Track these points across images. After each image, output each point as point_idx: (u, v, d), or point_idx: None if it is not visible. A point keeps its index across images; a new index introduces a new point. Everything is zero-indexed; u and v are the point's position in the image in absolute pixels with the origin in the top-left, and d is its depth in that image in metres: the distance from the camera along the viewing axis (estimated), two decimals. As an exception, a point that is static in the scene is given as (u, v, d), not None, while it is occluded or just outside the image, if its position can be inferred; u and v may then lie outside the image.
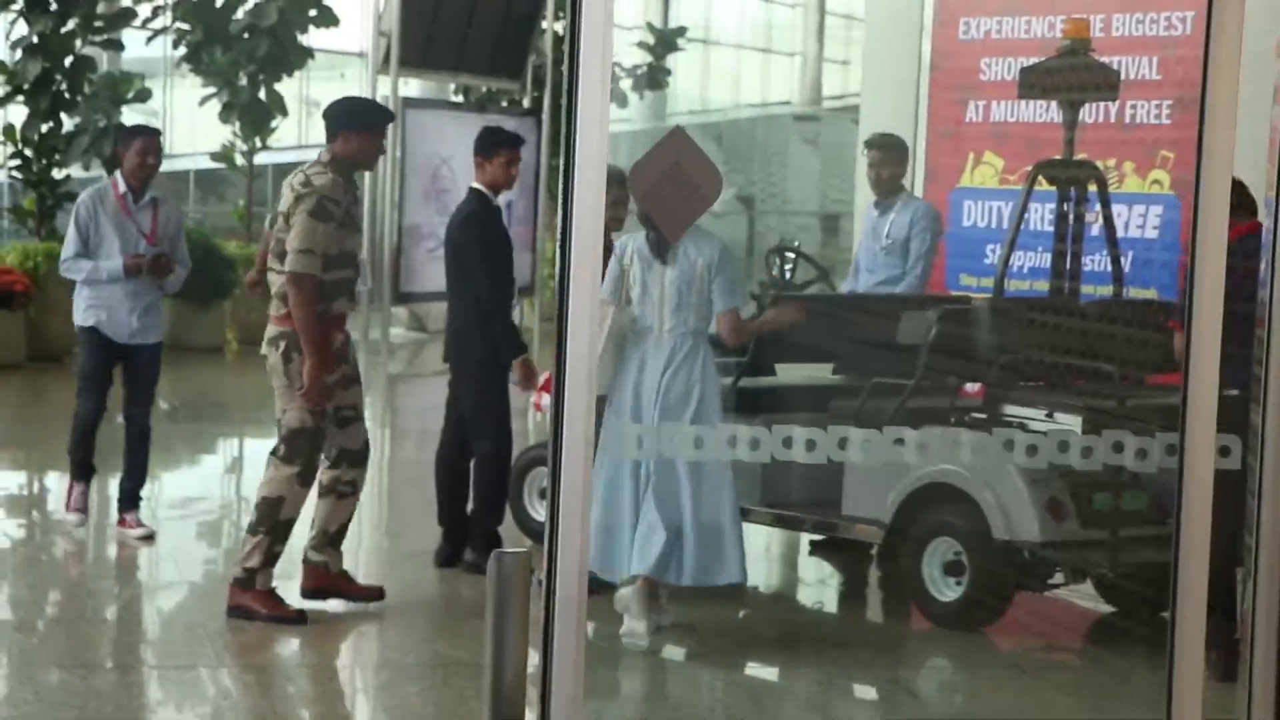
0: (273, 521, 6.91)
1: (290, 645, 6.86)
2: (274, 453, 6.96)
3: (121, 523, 8.55)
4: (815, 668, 6.92)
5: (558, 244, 3.14)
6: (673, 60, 23.48)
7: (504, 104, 18.84)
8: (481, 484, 7.86)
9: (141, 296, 8.41)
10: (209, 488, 10.74)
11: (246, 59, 17.44)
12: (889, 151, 8.40)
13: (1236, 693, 3.56)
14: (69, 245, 8.41)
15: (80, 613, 7.24)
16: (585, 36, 2.98)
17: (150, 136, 8.60)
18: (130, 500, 8.58)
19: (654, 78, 22.51)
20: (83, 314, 8.43)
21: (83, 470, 8.68)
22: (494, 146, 7.81)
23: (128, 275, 8.30)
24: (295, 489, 6.92)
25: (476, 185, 7.86)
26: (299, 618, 6.93)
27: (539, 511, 8.05)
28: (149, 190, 8.47)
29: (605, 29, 3.03)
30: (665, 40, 23.00)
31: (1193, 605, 3.38)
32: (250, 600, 6.91)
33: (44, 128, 16.13)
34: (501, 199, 8.07)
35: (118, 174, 8.49)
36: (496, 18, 17.52)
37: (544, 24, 17.13)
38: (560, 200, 3.09)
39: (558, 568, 3.11)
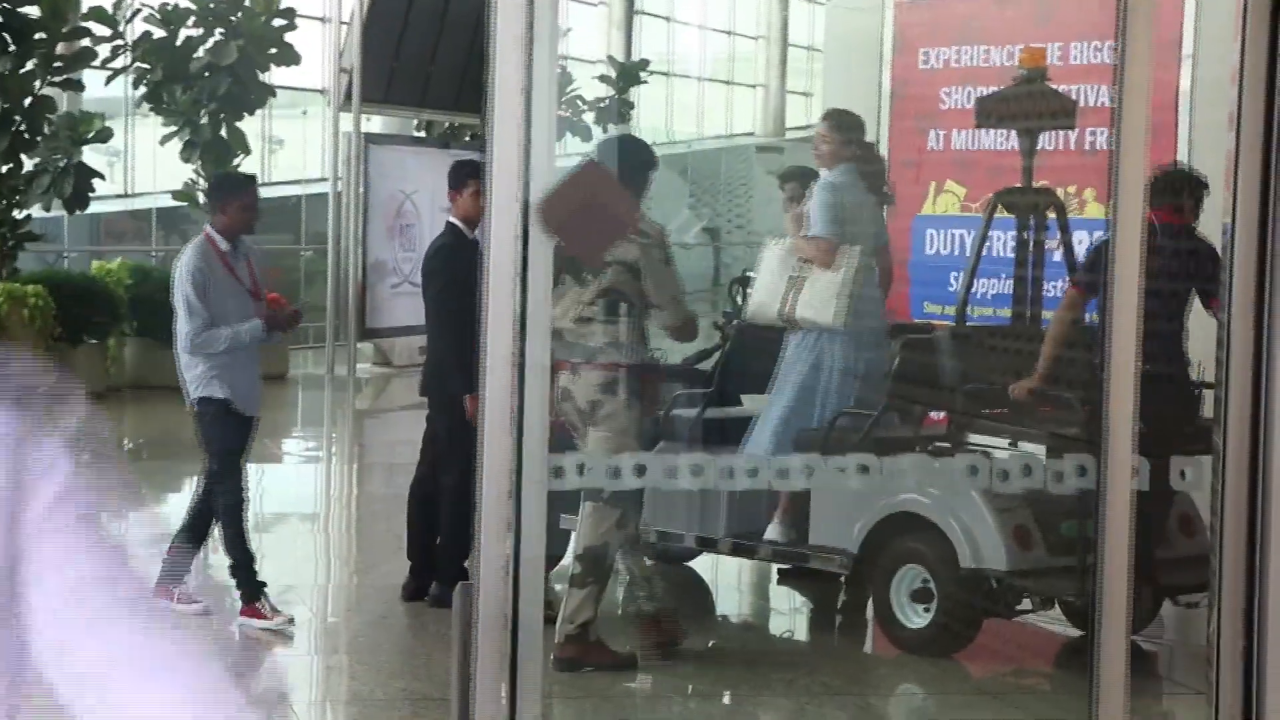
0: (600, 571, 6.84)
1: (255, 680, 6.85)
2: (592, 499, 6.81)
3: (254, 612, 7.49)
4: (786, 696, 6.95)
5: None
6: (636, 93, 23.58)
7: (467, 138, 18.90)
8: (450, 517, 7.87)
9: (257, 360, 7.81)
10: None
11: (207, 97, 17.45)
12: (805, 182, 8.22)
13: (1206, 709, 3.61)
14: (194, 316, 7.43)
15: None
16: (499, 60, 3.05)
17: (252, 187, 8.02)
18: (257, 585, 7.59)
19: (617, 111, 22.59)
20: (206, 385, 7.48)
21: (251, 571, 7.59)
22: (464, 179, 7.91)
23: (271, 332, 7.73)
24: (617, 535, 6.86)
25: (451, 219, 7.98)
26: (632, 661, 6.95)
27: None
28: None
29: (519, 55, 3.09)
30: (628, 73, 23.08)
31: (1115, 623, 3.45)
32: (585, 653, 6.79)
33: (4, 168, 16.11)
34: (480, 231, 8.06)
35: (209, 229, 7.70)
36: (460, 52, 17.59)
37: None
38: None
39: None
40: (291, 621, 7.43)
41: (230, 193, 7.80)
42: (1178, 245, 7.03)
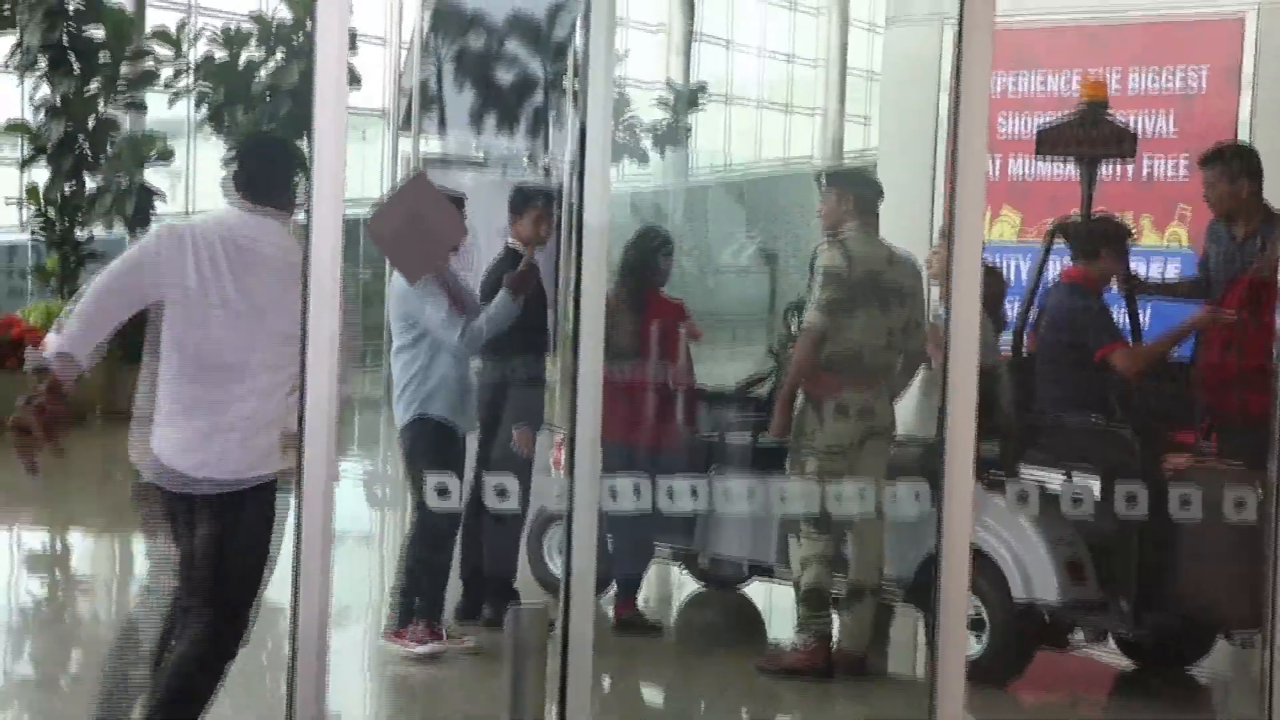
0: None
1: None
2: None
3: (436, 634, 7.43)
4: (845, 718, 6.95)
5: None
6: (694, 118, 23.62)
7: (524, 161, 18.97)
8: (496, 536, 7.90)
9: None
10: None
11: (268, 119, 17.59)
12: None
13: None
14: (442, 305, 7.36)
15: (102, 670, 7.27)
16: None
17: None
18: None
19: (675, 135, 22.63)
20: (423, 403, 7.44)
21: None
22: (523, 204, 7.97)
23: (517, 297, 7.47)
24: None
25: (510, 240, 8.01)
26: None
27: (558, 566, 8.09)
28: None
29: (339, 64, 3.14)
30: (686, 97, 23.13)
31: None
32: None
33: (66, 188, 16.28)
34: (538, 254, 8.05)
35: None
36: (515, 79, 17.67)
37: (565, 83, 17.27)
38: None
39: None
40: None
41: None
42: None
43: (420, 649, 7.35)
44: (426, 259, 3.52)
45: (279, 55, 17.62)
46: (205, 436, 5.04)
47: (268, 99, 17.57)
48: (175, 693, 5.12)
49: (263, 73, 17.66)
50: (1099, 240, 7.49)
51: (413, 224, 3.30)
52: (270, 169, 5.17)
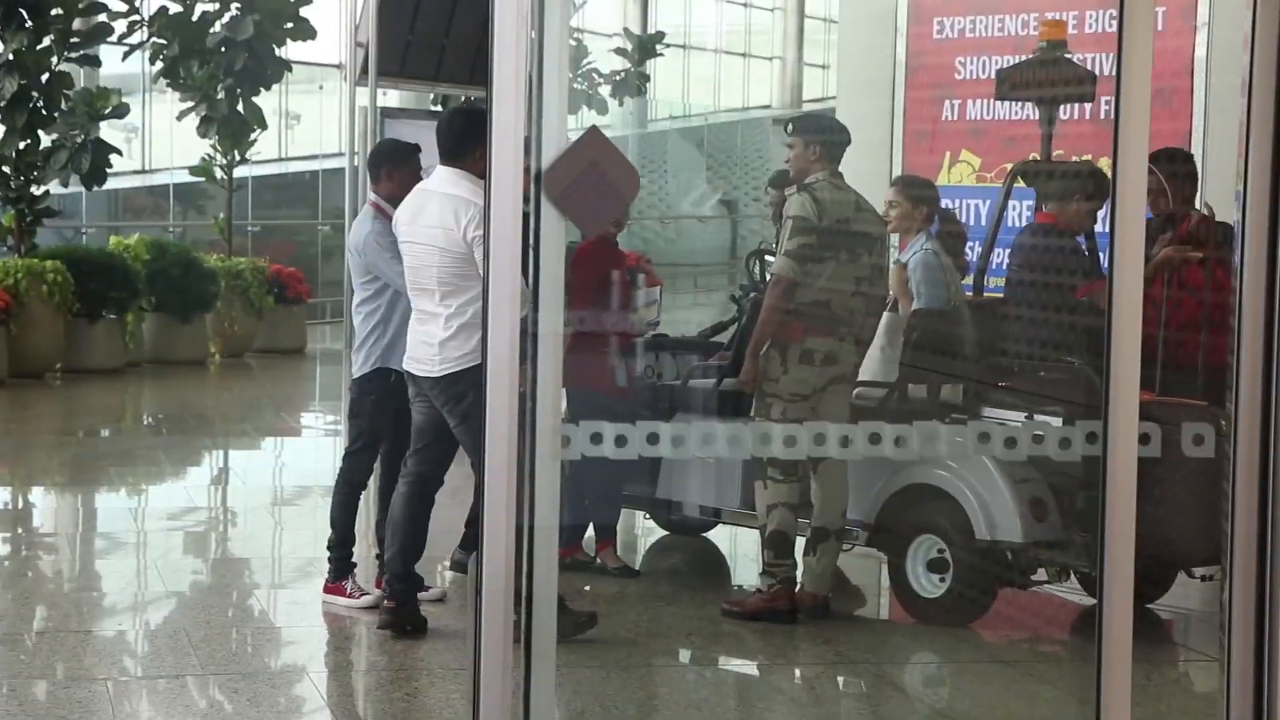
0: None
1: (274, 653, 6.91)
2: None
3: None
4: (801, 665, 6.98)
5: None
6: (652, 66, 23.56)
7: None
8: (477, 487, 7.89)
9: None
10: (194, 499, 10.77)
11: (224, 73, 17.47)
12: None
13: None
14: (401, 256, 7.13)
15: (65, 625, 7.28)
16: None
17: (416, 155, 7.71)
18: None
19: (632, 84, 22.57)
20: (383, 355, 7.37)
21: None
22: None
23: None
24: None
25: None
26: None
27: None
28: None
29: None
30: (643, 46, 23.07)
31: (1120, 595, 3.47)
32: None
33: (21, 144, 16.15)
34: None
35: (376, 198, 7.58)
36: (475, 27, 17.57)
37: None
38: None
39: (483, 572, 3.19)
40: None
41: (398, 161, 7.63)
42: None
43: (358, 602, 7.37)
44: (606, 212, 3.52)
45: (234, 7, 17.49)
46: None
47: (223, 51, 17.44)
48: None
49: (218, 25, 17.53)
50: (1074, 186, 7.49)
51: (590, 178, 3.29)
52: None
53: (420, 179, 7.34)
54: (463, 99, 19.90)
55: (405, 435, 7.15)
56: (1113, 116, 3.50)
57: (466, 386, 6.54)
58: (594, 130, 3.32)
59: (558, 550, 3.48)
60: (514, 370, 3.32)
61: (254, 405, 15.48)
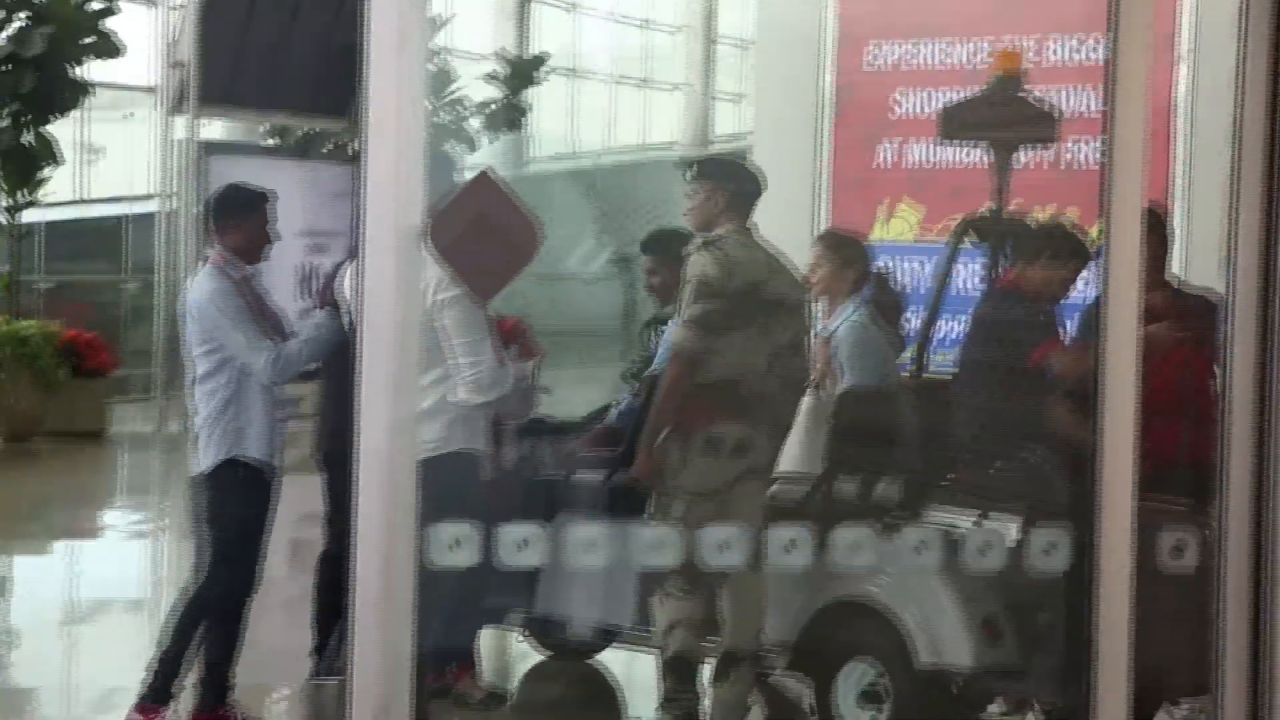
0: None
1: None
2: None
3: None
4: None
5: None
6: (532, 95, 23.61)
7: (326, 149, 18.88)
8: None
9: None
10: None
11: (9, 95, 17.35)
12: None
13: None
14: (247, 324, 7.36)
15: None
16: None
17: (265, 204, 7.66)
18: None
19: (508, 116, 22.58)
20: (235, 443, 7.44)
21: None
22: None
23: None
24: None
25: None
26: None
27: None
28: None
29: None
30: (521, 71, 23.09)
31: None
32: None
33: None
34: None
35: (217, 252, 7.52)
36: (317, 46, 17.57)
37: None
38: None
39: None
40: None
41: (248, 210, 7.55)
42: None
43: None
44: (502, 272, 3.51)
45: (20, 17, 17.40)
46: None
47: (7, 70, 17.33)
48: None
49: (1, 38, 17.43)
50: (1042, 244, 7.56)
51: (480, 230, 3.27)
52: None
53: (270, 233, 7.34)
54: (302, 131, 19.89)
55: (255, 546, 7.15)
56: (1102, 162, 3.54)
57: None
58: (483, 175, 3.31)
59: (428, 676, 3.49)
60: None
61: (42, 501, 15.28)
